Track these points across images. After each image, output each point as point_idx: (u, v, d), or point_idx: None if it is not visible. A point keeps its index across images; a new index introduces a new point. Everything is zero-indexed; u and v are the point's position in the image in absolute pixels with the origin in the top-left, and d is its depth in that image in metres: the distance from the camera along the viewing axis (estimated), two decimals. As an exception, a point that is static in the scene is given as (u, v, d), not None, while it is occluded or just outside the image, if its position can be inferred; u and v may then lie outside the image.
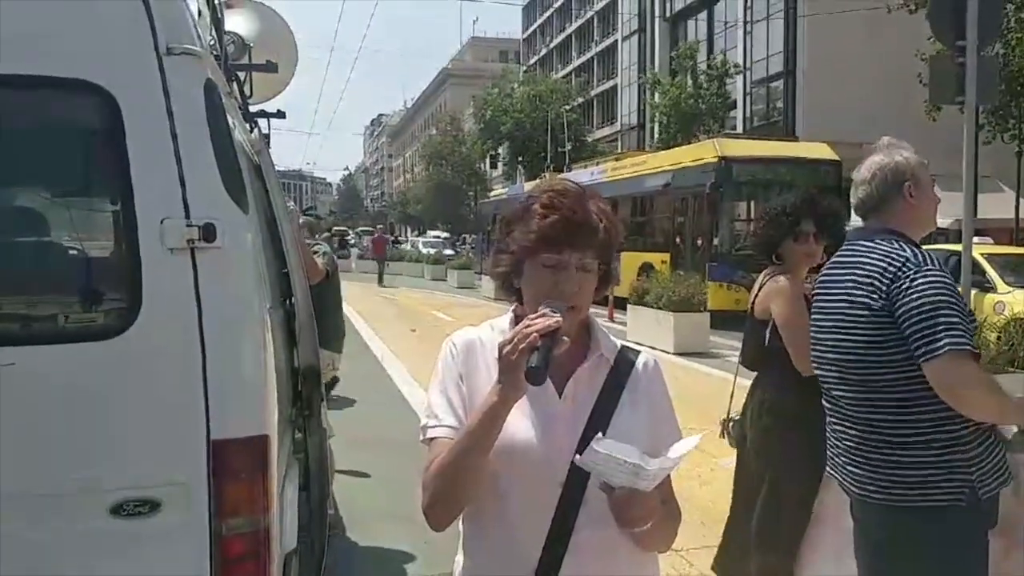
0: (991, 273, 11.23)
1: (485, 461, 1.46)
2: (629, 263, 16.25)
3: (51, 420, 1.82)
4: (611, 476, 1.41)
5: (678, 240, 17.45)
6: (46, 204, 2.08)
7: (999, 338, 6.79)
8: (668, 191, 17.71)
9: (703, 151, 16.94)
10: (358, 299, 18.41)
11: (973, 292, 10.27)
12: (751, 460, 3.44)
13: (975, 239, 13.82)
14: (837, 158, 15.82)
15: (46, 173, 2.02)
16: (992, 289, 10.98)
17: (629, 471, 1.38)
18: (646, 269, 16.41)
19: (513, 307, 1.64)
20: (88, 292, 2.01)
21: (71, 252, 2.09)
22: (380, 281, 27.52)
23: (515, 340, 1.38)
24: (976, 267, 11.13)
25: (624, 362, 1.62)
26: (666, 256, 17.16)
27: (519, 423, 1.49)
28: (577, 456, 1.42)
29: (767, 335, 3.28)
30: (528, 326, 1.39)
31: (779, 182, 14.35)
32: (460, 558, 1.62)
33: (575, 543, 1.50)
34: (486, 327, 1.66)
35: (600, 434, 1.43)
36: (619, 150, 38.01)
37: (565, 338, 1.43)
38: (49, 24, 1.83)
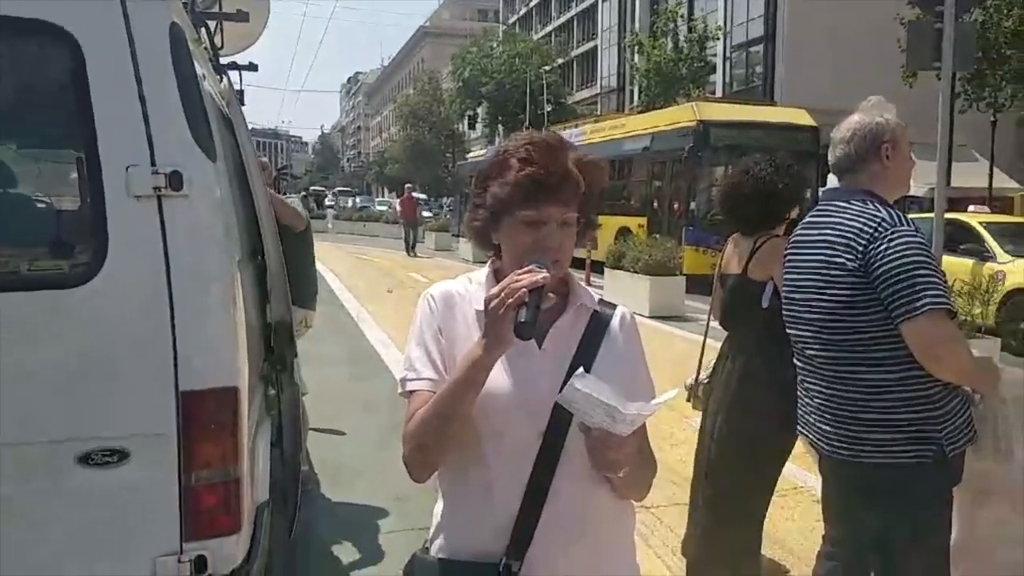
0: (990, 242, 10.80)
1: (467, 413, 1.45)
2: (607, 227, 16.22)
3: (17, 368, 1.79)
4: (588, 415, 1.40)
5: (655, 204, 17.43)
6: (6, 150, 2.02)
7: (998, 310, 6.68)
8: (646, 155, 17.65)
9: (681, 115, 16.84)
10: (334, 259, 18.29)
11: (971, 262, 10.24)
12: (720, 425, 3.32)
13: (972, 208, 13.78)
14: (814, 123, 15.84)
15: (6, 118, 1.97)
16: (992, 258, 10.53)
17: (606, 411, 1.38)
18: (623, 233, 16.40)
19: (490, 261, 1.63)
20: (52, 239, 1.97)
21: (34, 199, 2.04)
22: (411, 249, 22.60)
23: (502, 295, 1.37)
24: (975, 235, 10.96)
25: (602, 315, 1.62)
26: (643, 220, 17.14)
27: (500, 374, 1.48)
28: (558, 394, 1.41)
29: (766, 296, 3.20)
30: (515, 281, 1.38)
31: (757, 146, 14.32)
32: (439, 507, 1.62)
33: (555, 492, 1.50)
34: (463, 280, 1.64)
35: (581, 369, 1.42)
36: (599, 113, 37.76)
37: (551, 294, 1.42)
38: None
